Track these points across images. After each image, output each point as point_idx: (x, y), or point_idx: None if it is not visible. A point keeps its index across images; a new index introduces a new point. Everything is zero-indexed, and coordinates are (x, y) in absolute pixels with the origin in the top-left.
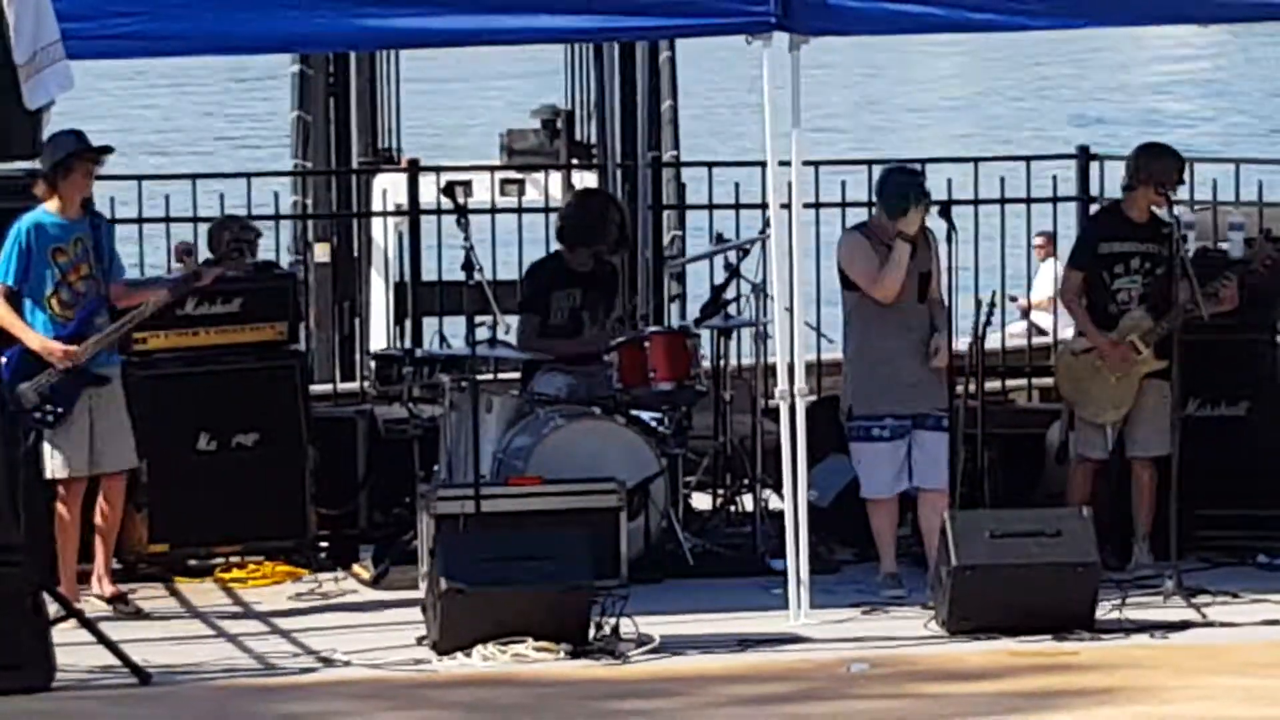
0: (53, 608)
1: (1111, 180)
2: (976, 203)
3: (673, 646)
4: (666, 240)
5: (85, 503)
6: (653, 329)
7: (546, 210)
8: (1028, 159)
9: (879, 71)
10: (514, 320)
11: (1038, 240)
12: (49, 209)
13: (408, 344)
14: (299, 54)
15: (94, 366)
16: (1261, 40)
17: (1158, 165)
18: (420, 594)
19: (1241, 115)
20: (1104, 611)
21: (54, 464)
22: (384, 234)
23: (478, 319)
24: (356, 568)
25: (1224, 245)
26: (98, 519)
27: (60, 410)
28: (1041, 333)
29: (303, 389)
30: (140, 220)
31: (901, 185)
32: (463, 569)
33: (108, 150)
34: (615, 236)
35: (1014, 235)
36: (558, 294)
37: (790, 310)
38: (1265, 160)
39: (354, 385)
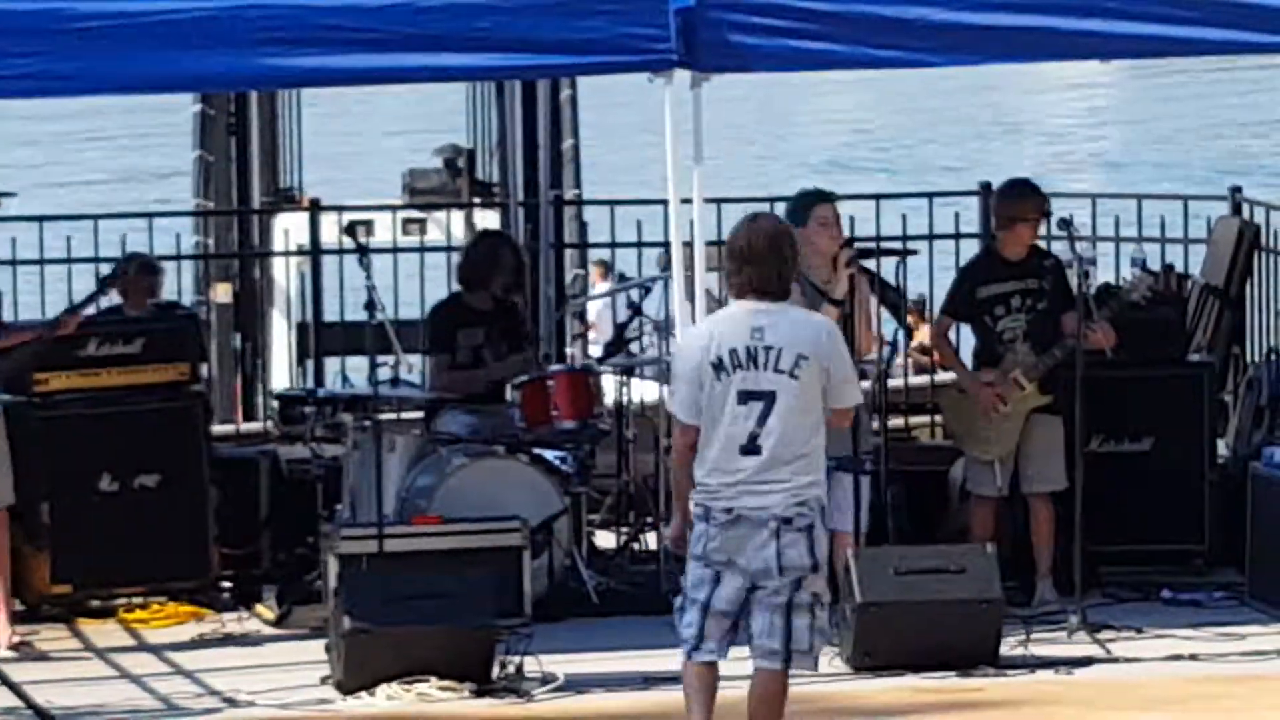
0: None
1: None
2: (879, 240)
3: (577, 685)
4: (569, 279)
5: None
6: (555, 367)
7: (449, 249)
8: (930, 195)
9: (775, 107)
10: (416, 360)
11: None
12: None
13: (310, 384)
14: (200, 94)
15: None
16: (1162, 74)
17: (1018, 205)
18: (324, 633)
19: (1146, 149)
20: (1008, 647)
21: None
22: (286, 274)
23: (380, 359)
24: (260, 607)
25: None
26: None
27: None
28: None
29: (205, 429)
30: (41, 261)
31: (799, 193)
32: (366, 608)
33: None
34: (510, 276)
35: (918, 272)
36: (461, 332)
37: None
38: (1167, 195)
39: (256, 425)
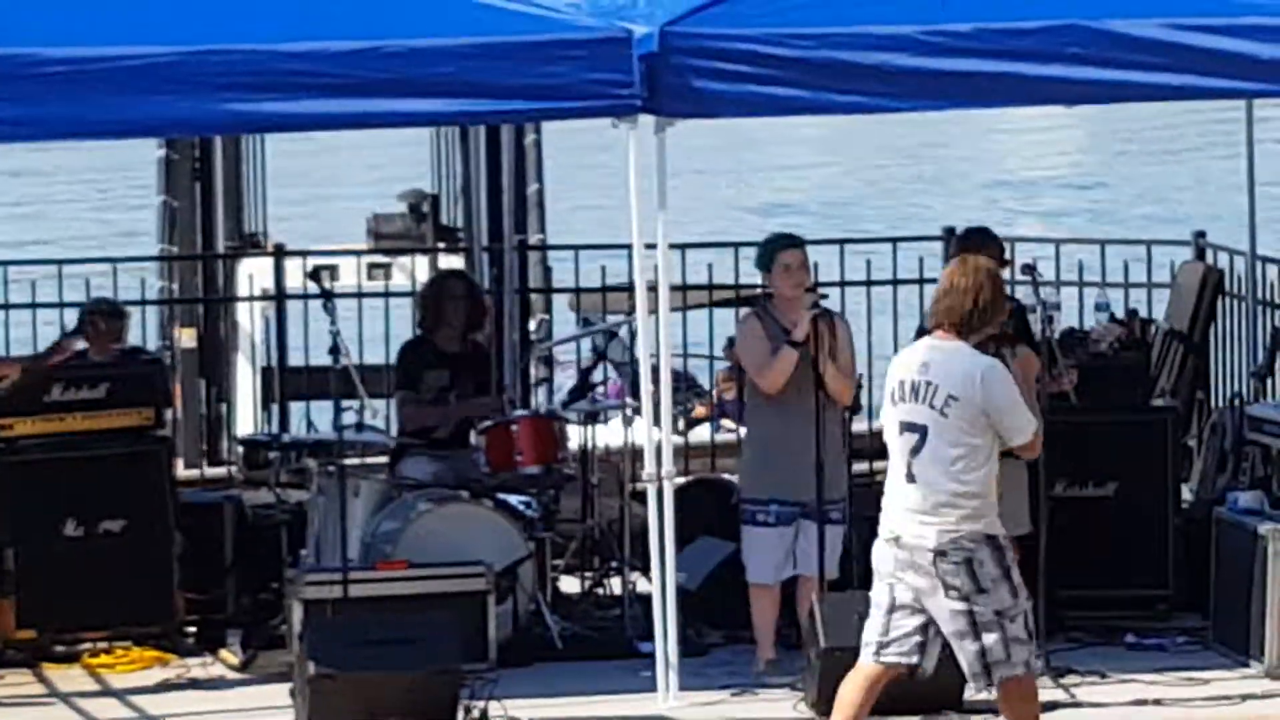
0: None
1: None
2: (843, 284)
3: None
4: (533, 324)
5: None
6: (519, 412)
7: (413, 294)
8: (894, 240)
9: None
10: (381, 404)
11: None
12: None
13: (275, 429)
14: (164, 139)
15: None
16: (1124, 120)
17: (979, 253)
18: (289, 678)
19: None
20: (973, 692)
21: None
22: (250, 319)
23: (345, 403)
24: (224, 652)
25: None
26: None
27: None
28: None
29: (170, 474)
30: (5, 306)
31: (767, 239)
32: (331, 653)
33: None
34: (465, 312)
35: (884, 316)
36: (428, 374)
37: (657, 393)
38: (1131, 240)
39: (221, 470)
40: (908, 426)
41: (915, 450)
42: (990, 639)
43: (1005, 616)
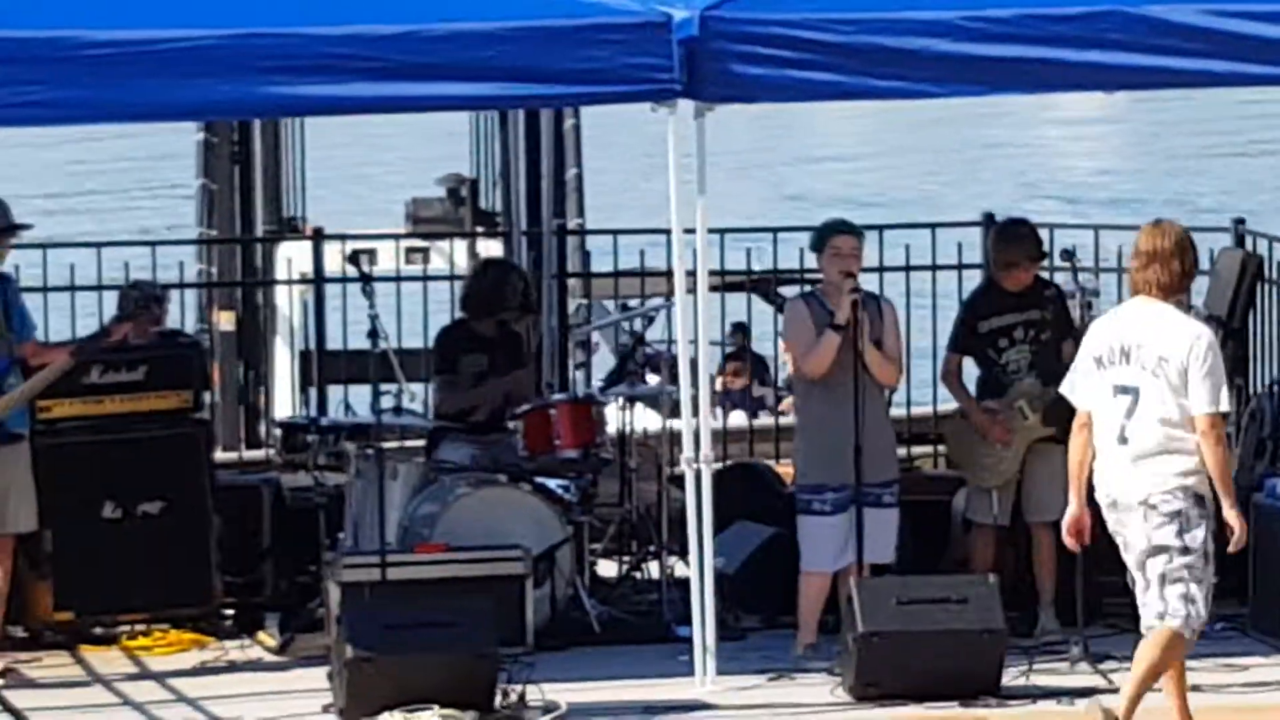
0: None
1: None
2: (882, 270)
3: (579, 713)
4: (572, 308)
5: None
6: (558, 396)
7: (452, 278)
8: (933, 226)
9: (782, 135)
10: (419, 388)
11: None
12: None
13: (313, 412)
14: (203, 122)
15: (9, 425)
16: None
17: (1011, 251)
18: (326, 661)
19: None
20: (1011, 678)
21: None
22: (289, 302)
23: (383, 387)
24: (262, 635)
25: None
26: None
27: None
28: None
29: (208, 457)
30: (45, 289)
31: (823, 223)
32: (368, 636)
33: (26, 227)
34: (518, 304)
35: (922, 302)
36: (464, 359)
37: (695, 377)
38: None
39: (259, 453)
40: (1121, 389)
41: (1130, 412)
42: (1171, 592)
43: (1192, 576)
